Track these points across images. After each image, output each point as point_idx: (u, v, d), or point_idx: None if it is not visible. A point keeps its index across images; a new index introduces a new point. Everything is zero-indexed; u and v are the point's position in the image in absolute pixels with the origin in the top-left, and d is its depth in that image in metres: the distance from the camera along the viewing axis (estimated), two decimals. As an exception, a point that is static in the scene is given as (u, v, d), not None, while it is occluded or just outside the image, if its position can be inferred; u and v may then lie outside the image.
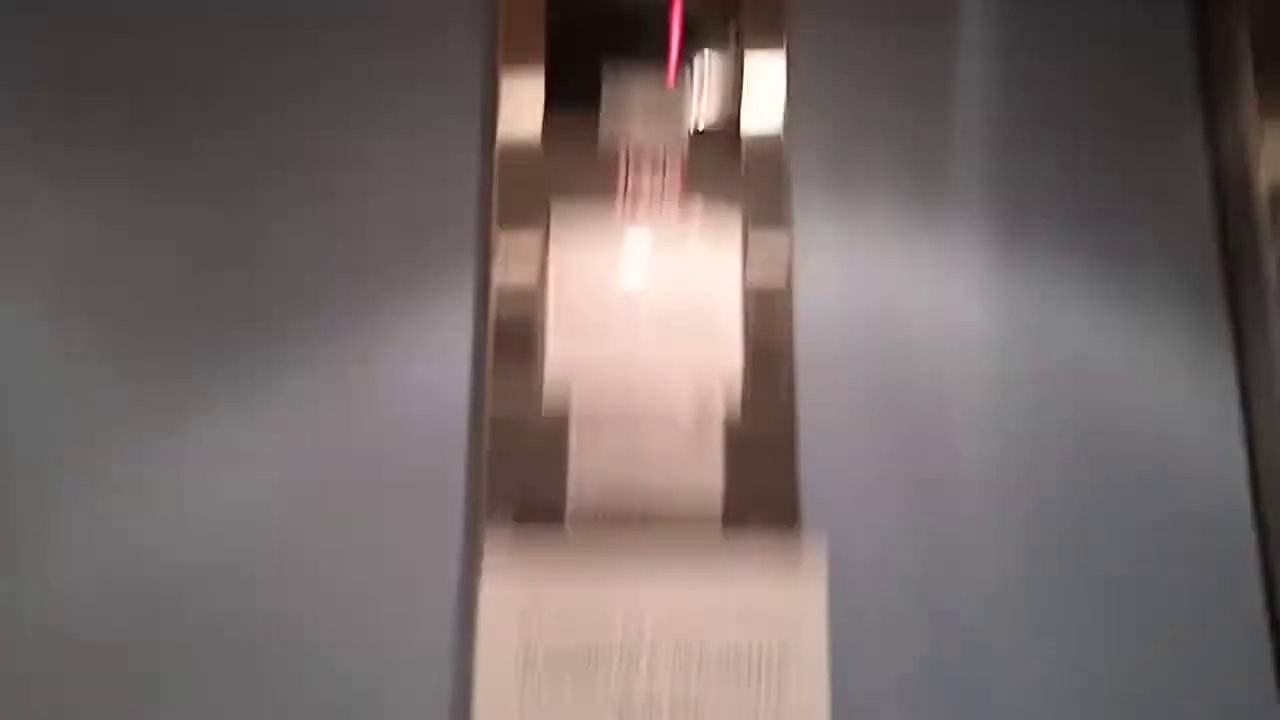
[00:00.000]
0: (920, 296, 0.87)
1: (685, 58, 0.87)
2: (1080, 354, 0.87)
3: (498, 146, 0.84)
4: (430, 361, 0.82)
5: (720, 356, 0.81)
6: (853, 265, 0.87)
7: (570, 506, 0.77)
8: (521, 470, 0.78)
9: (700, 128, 0.85)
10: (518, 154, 0.84)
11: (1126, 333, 0.88)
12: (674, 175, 0.84)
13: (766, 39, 0.89)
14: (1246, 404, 0.86)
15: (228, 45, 0.88)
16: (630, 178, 0.84)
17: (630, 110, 0.85)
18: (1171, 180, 0.92)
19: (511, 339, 0.80)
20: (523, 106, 0.85)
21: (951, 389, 0.85)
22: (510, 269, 0.81)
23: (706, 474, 0.78)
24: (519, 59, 0.86)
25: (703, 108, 0.86)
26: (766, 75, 0.88)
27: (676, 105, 0.86)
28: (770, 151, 0.86)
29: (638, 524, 0.77)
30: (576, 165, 0.84)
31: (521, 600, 0.74)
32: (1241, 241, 0.89)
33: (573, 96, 0.85)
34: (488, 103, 0.86)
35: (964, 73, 0.94)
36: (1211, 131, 0.93)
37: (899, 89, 0.92)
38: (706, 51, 0.88)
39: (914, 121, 0.92)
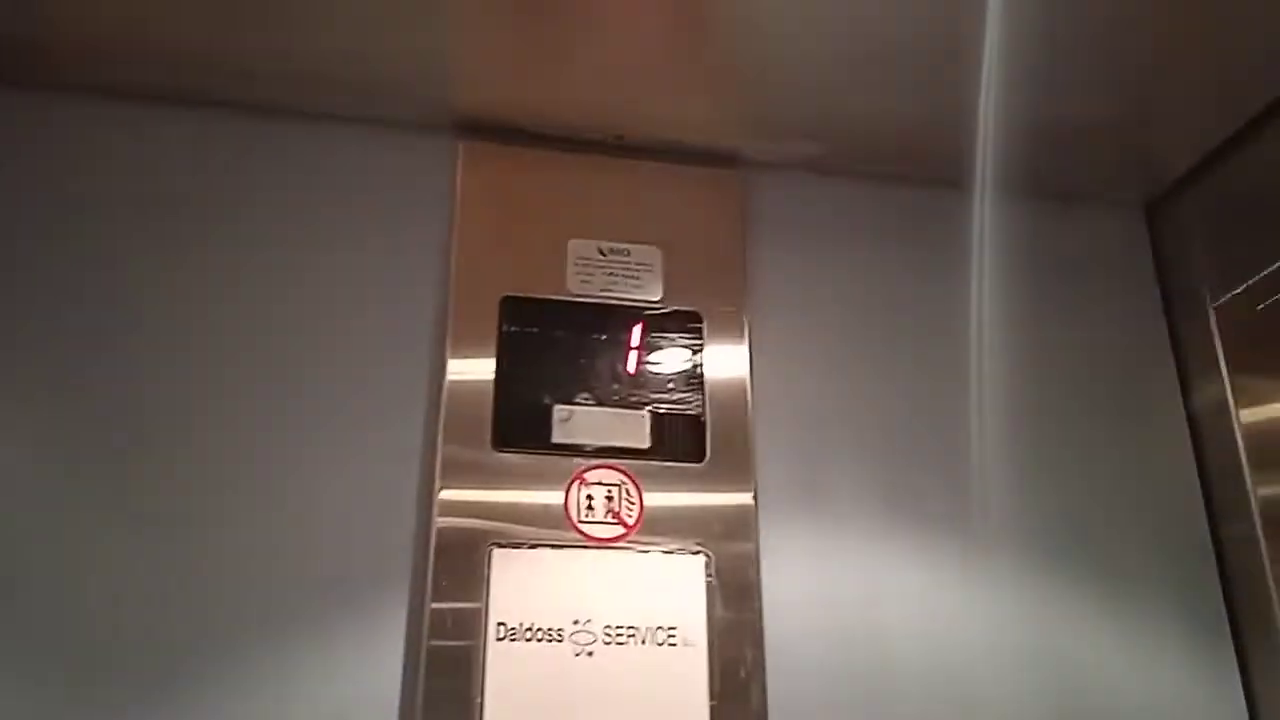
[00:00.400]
0: (901, 610, 0.88)
1: (644, 359, 0.91)
2: (1078, 670, 0.90)
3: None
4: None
5: (688, 683, 0.80)
6: (826, 579, 0.88)
7: None
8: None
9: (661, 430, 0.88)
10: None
11: (1128, 653, 0.91)
12: (631, 488, 0.85)
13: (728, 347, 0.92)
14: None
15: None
16: (583, 496, 0.85)
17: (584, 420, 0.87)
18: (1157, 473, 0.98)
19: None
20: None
21: (930, 703, 0.86)
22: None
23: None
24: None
25: (662, 400, 0.89)
26: (729, 371, 0.91)
27: (634, 398, 0.89)
28: (734, 453, 0.89)
29: None
30: (524, 487, 0.84)
31: None
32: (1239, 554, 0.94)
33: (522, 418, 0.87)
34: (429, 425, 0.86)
35: (935, 373, 0.98)
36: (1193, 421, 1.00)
37: (867, 389, 0.96)
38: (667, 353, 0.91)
39: (883, 419, 0.95)
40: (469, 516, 0.82)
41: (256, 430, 0.83)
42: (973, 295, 0.98)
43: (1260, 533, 0.91)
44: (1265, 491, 0.92)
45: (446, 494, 0.82)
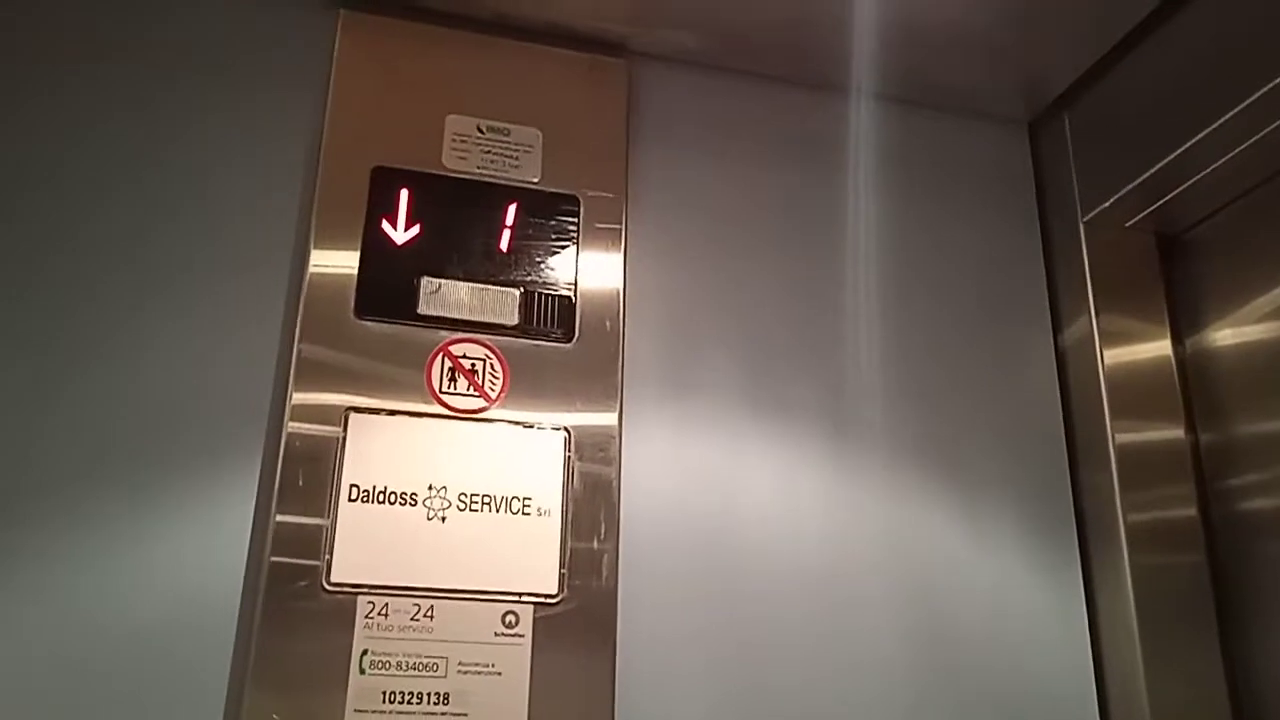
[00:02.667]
0: (759, 498, 0.90)
1: (517, 238, 0.90)
2: (924, 560, 0.92)
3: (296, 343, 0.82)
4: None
5: (539, 550, 0.81)
6: (688, 464, 0.89)
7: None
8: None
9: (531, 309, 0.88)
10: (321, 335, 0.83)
11: (973, 540, 0.94)
12: (497, 364, 0.85)
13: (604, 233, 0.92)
14: (1093, 615, 0.94)
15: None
16: (446, 368, 0.84)
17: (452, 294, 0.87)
18: (1022, 388, 1.01)
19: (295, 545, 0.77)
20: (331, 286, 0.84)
21: (783, 585, 0.88)
22: (302, 477, 0.79)
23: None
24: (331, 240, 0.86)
25: (534, 281, 0.89)
26: (603, 256, 0.91)
27: (505, 277, 0.88)
28: (603, 337, 0.89)
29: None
30: (385, 357, 0.83)
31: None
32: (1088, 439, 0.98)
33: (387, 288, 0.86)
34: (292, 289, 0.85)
35: (809, 272, 0.98)
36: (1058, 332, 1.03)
37: (740, 284, 0.96)
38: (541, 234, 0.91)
39: (754, 313, 0.96)
40: (327, 381, 0.81)
41: (120, 293, 0.81)
42: (849, 198, 0.99)
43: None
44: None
45: (306, 356, 0.81)
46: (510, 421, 0.83)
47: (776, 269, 0.97)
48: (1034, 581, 0.93)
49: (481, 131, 0.92)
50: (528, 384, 0.85)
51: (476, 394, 0.83)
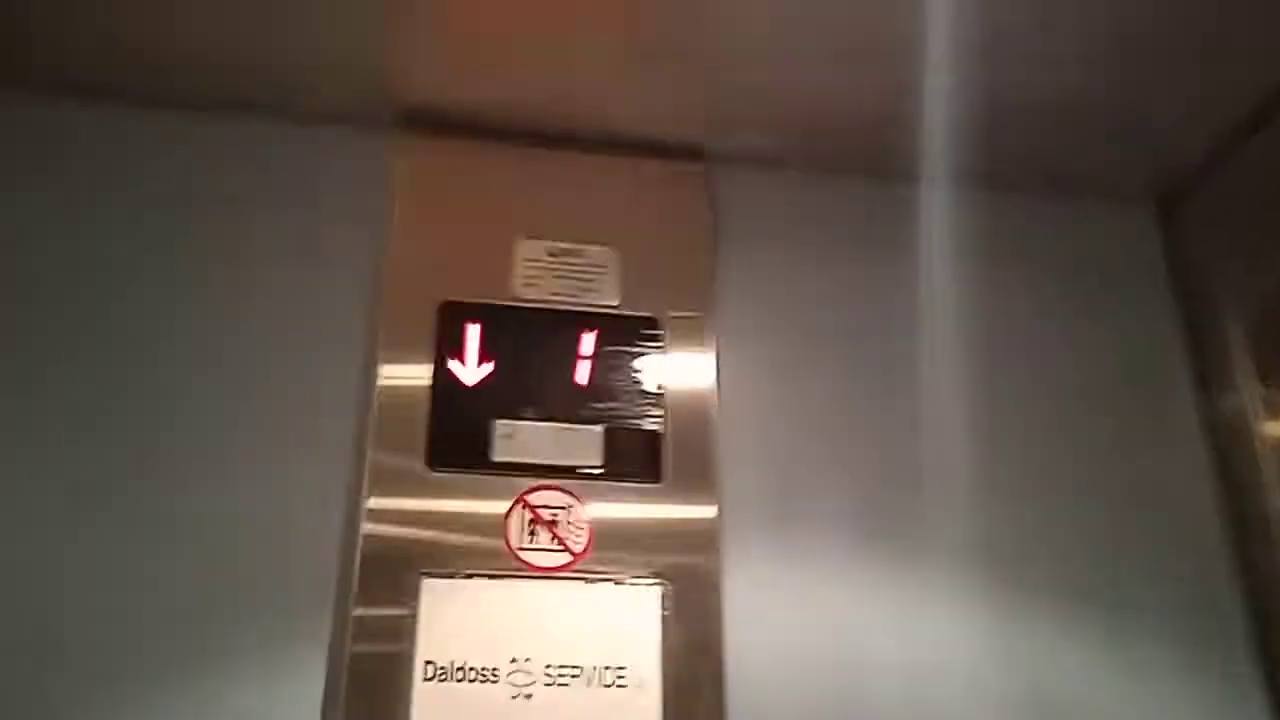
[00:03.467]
0: (876, 643, 0.80)
1: (597, 369, 0.83)
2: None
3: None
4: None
5: None
6: (796, 610, 0.80)
7: None
8: None
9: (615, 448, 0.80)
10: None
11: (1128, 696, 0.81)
12: (580, 512, 0.77)
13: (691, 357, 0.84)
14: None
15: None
16: (525, 521, 0.77)
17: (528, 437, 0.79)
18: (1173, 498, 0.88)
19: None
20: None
21: None
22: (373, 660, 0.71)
23: None
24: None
25: (617, 416, 0.81)
26: (691, 381, 0.83)
27: (586, 413, 0.81)
28: (696, 473, 0.80)
29: None
30: (458, 511, 0.76)
31: None
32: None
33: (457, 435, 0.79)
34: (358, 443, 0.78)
35: (919, 384, 0.88)
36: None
37: (843, 404, 0.87)
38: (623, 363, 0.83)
39: (861, 435, 0.86)
40: (397, 545, 0.74)
41: (162, 460, 0.76)
42: (944, 297, 0.90)
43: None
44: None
45: (373, 522, 0.74)
46: (598, 577, 0.75)
47: (882, 384, 0.88)
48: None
49: (553, 256, 0.85)
50: (615, 532, 0.77)
51: (559, 548, 0.75)
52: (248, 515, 0.75)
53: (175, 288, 0.81)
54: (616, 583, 0.75)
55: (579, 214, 0.87)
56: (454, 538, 0.75)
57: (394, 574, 0.73)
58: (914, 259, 0.91)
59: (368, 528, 0.74)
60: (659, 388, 0.82)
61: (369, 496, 0.75)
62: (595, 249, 0.86)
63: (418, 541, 0.74)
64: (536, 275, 0.84)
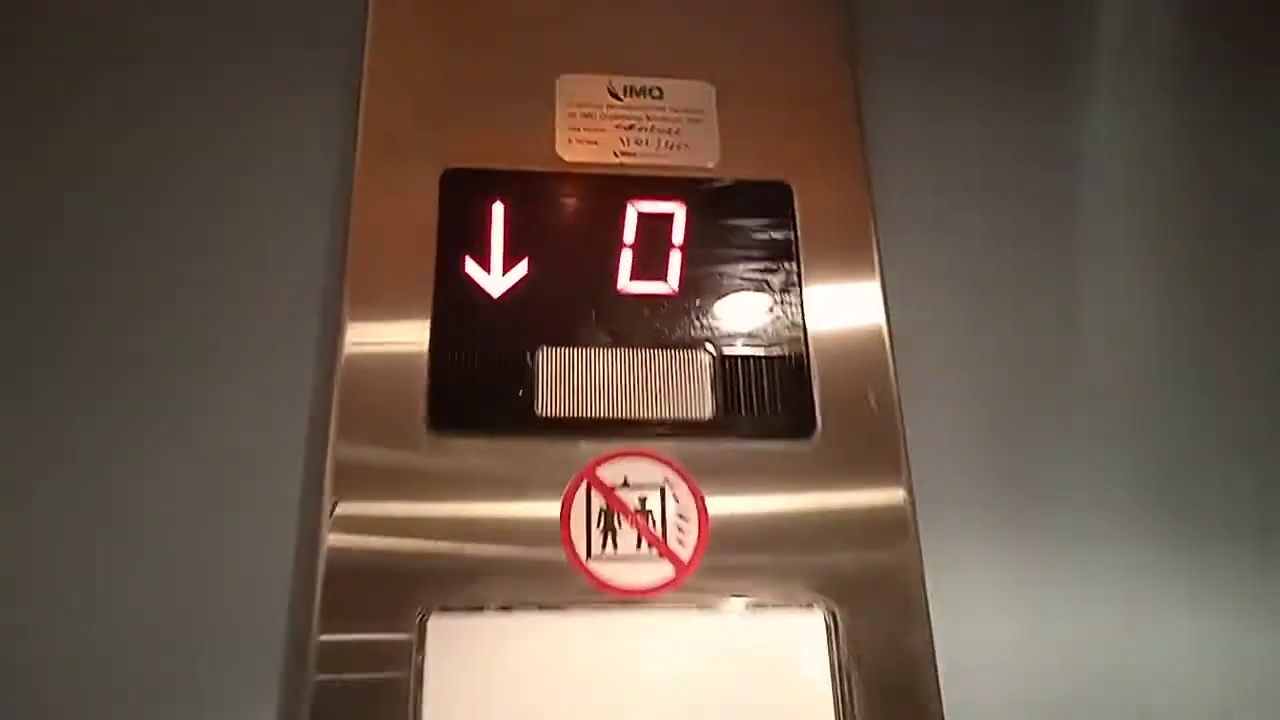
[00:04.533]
0: (1157, 650, 0.50)
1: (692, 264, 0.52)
2: None
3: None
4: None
5: None
6: (1046, 631, 0.50)
7: None
8: None
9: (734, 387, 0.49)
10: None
11: None
12: (686, 494, 0.46)
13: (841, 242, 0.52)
14: None
15: None
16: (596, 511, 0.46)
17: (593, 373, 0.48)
18: None
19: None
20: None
21: None
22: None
23: None
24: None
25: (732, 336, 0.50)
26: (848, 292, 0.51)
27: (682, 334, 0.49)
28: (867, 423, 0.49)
29: None
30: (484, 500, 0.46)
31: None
32: None
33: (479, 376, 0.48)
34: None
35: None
36: None
37: (1078, 309, 0.57)
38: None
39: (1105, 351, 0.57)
40: (383, 564, 0.44)
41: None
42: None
43: None
44: None
45: (342, 531, 0.44)
46: (720, 603, 0.45)
47: (1132, 278, 0.57)
48: None
49: (617, 96, 0.54)
50: (744, 526, 0.47)
51: (656, 553, 0.45)
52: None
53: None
54: (752, 606, 0.45)
55: (655, 35, 0.57)
56: (477, 546, 0.44)
57: (379, 611, 0.43)
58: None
59: (334, 540, 0.44)
60: (796, 291, 0.51)
61: (335, 485, 0.45)
62: (681, 85, 0.55)
63: (418, 556, 0.44)
64: (593, 126, 0.53)
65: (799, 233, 0.53)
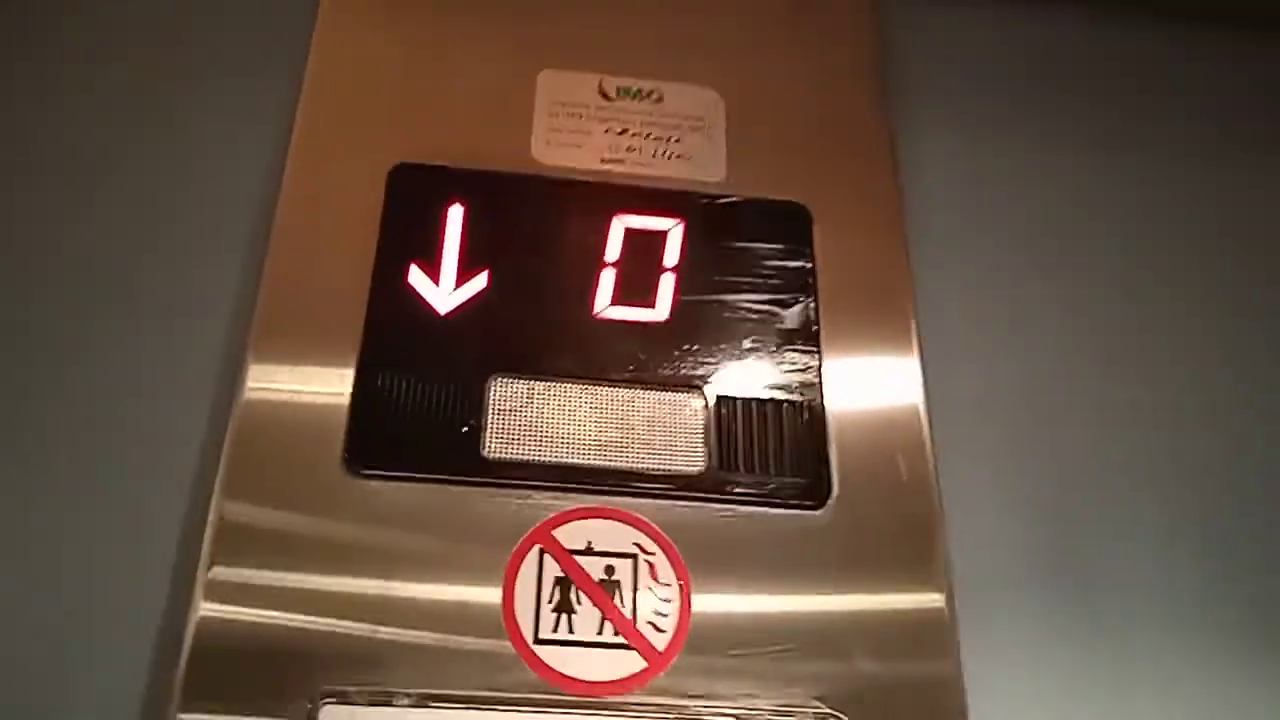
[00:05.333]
0: None
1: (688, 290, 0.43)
2: None
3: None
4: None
5: None
6: None
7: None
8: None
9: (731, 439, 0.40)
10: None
11: None
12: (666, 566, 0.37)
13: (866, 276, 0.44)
14: None
15: None
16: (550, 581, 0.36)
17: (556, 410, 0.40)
18: None
19: None
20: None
21: None
22: None
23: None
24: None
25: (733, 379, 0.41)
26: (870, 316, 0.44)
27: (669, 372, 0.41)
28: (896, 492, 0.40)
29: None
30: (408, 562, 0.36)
31: None
32: None
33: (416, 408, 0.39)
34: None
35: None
36: None
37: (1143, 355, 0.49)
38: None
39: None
40: (272, 631, 0.34)
41: None
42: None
43: None
44: None
45: (216, 601, 0.34)
46: (703, 710, 0.34)
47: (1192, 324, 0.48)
48: None
49: (608, 96, 0.46)
50: (738, 612, 0.37)
51: (623, 640, 0.35)
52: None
53: None
54: (745, 715, 0.34)
55: (655, 33, 0.49)
56: (393, 618, 0.34)
57: (258, 695, 0.33)
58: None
59: (207, 609, 0.34)
60: (812, 331, 0.42)
61: (215, 543, 0.35)
62: (684, 90, 0.47)
63: (312, 629, 0.34)
64: (578, 128, 0.45)
65: (817, 263, 0.44)
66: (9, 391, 0.40)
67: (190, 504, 0.38)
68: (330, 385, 0.38)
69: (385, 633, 0.34)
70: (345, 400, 0.38)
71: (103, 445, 0.39)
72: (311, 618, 0.34)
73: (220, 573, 0.34)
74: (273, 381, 0.38)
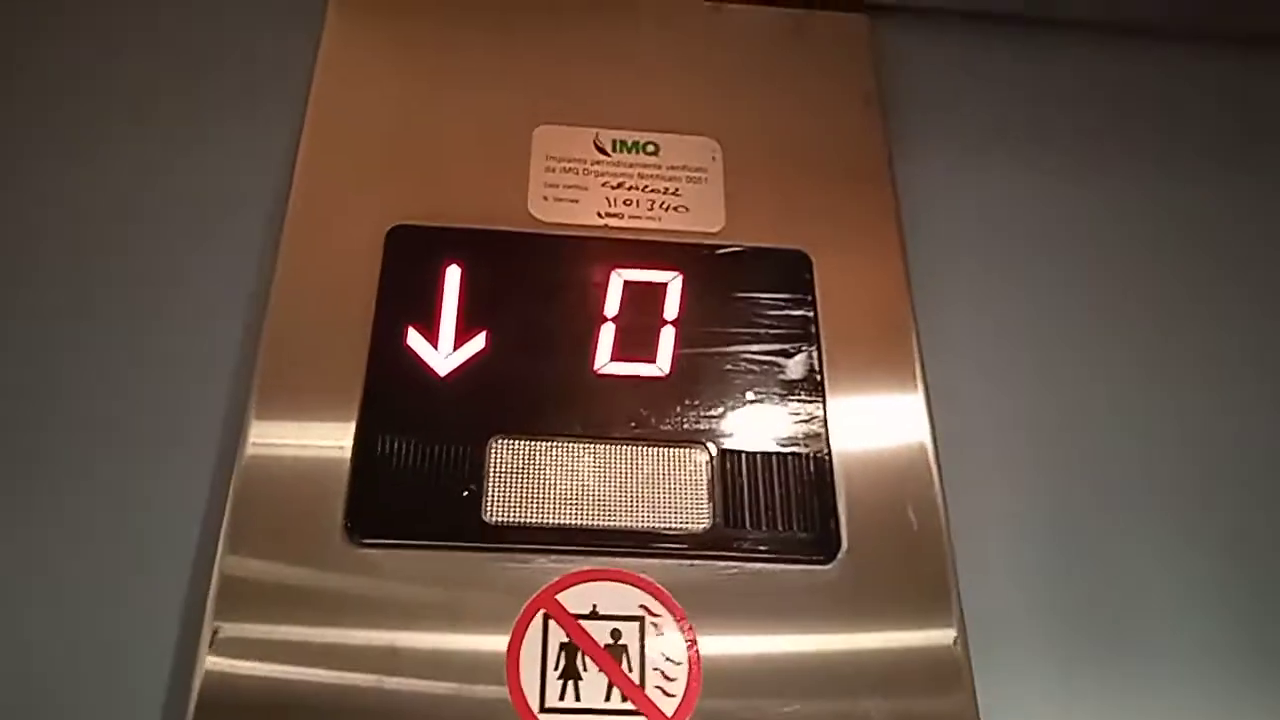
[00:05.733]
0: None
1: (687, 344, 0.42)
2: None
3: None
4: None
5: None
6: None
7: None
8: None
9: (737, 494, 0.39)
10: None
11: None
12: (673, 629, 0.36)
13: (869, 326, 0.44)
14: None
15: None
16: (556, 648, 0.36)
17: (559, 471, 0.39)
18: None
19: None
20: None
21: None
22: None
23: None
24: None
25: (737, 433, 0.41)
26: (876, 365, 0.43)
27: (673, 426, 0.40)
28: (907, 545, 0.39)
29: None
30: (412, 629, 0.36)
31: None
32: None
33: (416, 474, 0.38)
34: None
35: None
36: None
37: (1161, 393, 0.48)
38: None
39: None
40: (275, 688, 0.33)
41: None
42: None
43: None
44: None
45: (222, 655, 0.34)
46: (717, 777, 0.34)
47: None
48: None
49: (604, 151, 0.46)
50: (749, 671, 0.36)
51: (631, 707, 0.34)
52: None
53: None
54: (756, 786, 0.34)
55: (649, 85, 0.49)
56: (397, 683, 0.34)
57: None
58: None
59: (213, 662, 0.34)
60: (818, 381, 0.42)
61: (219, 603, 0.35)
62: (680, 141, 0.47)
63: (314, 692, 0.34)
64: (575, 183, 0.45)
65: (819, 309, 0.43)
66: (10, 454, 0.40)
67: (195, 561, 0.38)
68: (330, 448, 0.38)
69: (389, 700, 0.34)
70: (345, 463, 0.37)
71: (108, 500, 0.39)
72: (317, 671, 0.34)
73: (225, 628, 0.34)
74: (274, 441, 0.38)
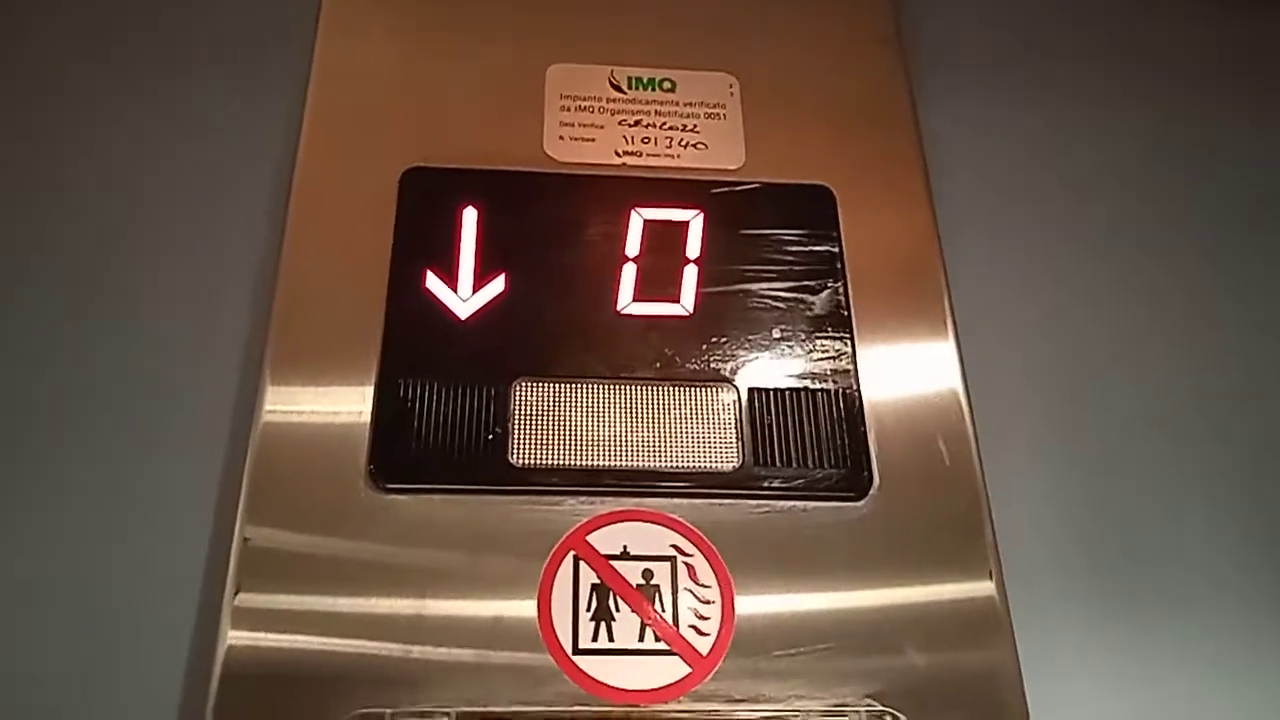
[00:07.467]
0: None
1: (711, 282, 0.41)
2: None
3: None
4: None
5: None
6: None
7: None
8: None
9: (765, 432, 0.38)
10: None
11: None
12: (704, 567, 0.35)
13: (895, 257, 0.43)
14: None
15: None
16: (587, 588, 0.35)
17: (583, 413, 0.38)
18: None
19: None
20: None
21: None
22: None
23: None
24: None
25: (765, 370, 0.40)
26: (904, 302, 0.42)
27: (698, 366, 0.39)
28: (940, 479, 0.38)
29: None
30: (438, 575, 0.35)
31: None
32: None
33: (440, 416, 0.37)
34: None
35: None
36: None
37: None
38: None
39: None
40: (303, 657, 0.33)
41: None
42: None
43: None
44: None
45: (245, 629, 0.33)
46: (754, 712, 0.33)
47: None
48: None
49: (620, 88, 0.45)
50: (783, 611, 0.35)
51: (665, 646, 0.34)
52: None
53: None
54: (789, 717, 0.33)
55: (665, 21, 0.48)
56: (426, 646, 0.33)
57: (292, 722, 0.32)
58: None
59: (235, 637, 0.33)
60: (844, 316, 0.41)
61: (240, 570, 0.34)
62: (698, 76, 0.46)
63: (343, 651, 0.33)
64: (590, 122, 0.44)
65: (844, 245, 0.42)
66: (30, 423, 0.40)
67: (214, 531, 0.37)
68: (350, 399, 0.37)
69: (418, 651, 0.33)
70: (366, 414, 0.37)
71: (125, 475, 0.39)
72: (342, 639, 0.33)
73: (247, 599, 0.34)
74: (291, 399, 0.37)
